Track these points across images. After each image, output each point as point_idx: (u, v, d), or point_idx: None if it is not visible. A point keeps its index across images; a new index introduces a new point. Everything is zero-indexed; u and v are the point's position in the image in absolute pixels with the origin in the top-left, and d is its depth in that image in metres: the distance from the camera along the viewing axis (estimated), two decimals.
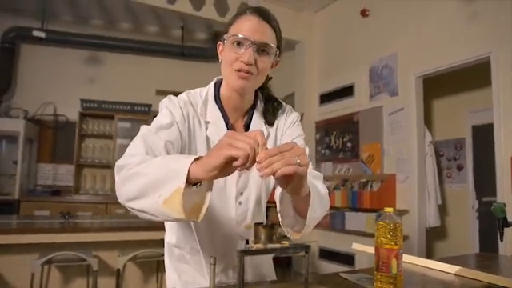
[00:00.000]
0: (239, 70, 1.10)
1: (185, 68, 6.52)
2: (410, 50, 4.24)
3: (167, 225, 1.36)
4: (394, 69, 4.40)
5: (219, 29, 6.41)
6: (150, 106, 6.12)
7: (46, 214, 4.88)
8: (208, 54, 6.39)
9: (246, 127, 1.24)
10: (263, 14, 1.13)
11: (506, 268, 1.67)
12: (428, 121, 4.87)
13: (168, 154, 1.05)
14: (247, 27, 1.10)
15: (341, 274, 1.32)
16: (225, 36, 1.15)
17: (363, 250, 1.71)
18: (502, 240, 1.50)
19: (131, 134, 6.02)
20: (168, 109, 1.18)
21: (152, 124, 1.13)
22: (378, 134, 4.53)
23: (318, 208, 1.07)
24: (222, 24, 5.67)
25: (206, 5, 4.94)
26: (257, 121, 1.25)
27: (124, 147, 6.00)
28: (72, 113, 5.96)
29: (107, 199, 5.63)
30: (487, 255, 1.98)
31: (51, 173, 5.98)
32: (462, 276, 1.37)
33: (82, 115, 5.93)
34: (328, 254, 4.99)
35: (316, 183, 1.12)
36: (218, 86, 1.26)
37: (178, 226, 1.30)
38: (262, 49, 1.12)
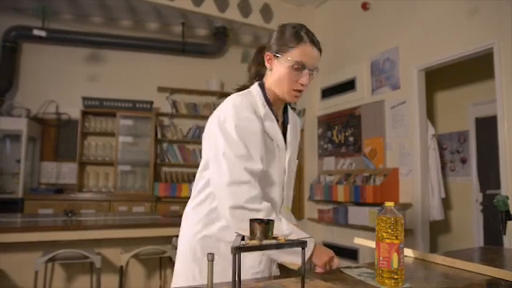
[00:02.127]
0: (297, 90, 1.39)
1: (186, 64, 6.50)
2: (411, 42, 4.20)
3: (204, 216, 1.41)
4: (396, 62, 4.37)
5: (219, 25, 6.41)
6: (151, 102, 6.11)
7: (49, 212, 4.90)
8: (209, 50, 6.37)
9: (282, 121, 1.52)
10: (319, 45, 1.42)
11: (511, 261, 1.66)
12: (430, 114, 4.85)
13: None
14: (310, 58, 1.37)
15: (342, 269, 1.32)
16: (282, 55, 1.37)
17: (365, 244, 1.70)
18: (504, 233, 1.48)
19: (133, 131, 6.03)
20: (255, 135, 1.33)
21: (236, 153, 1.28)
22: (381, 127, 4.51)
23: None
24: (223, 20, 5.67)
25: (205, 0, 4.92)
26: (291, 119, 1.54)
27: (126, 144, 5.92)
28: (74, 111, 5.96)
29: (110, 197, 5.64)
30: (491, 248, 1.97)
31: (54, 171, 5.99)
32: (466, 270, 1.36)
33: (84, 113, 5.93)
34: (331, 249, 4.96)
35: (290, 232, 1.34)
36: (263, 89, 1.46)
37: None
38: (312, 73, 1.39)
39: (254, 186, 1.26)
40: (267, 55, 1.42)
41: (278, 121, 1.45)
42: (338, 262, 1.32)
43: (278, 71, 1.39)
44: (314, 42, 1.39)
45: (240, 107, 1.32)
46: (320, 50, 1.41)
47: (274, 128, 1.40)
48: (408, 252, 1.59)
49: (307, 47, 1.36)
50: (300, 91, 1.39)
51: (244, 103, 1.34)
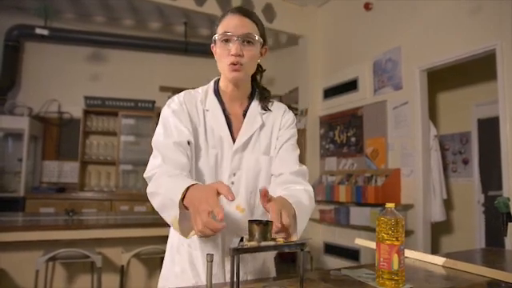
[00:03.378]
0: (231, 64, 1.28)
1: (188, 64, 6.50)
2: (413, 43, 4.19)
3: None
4: (398, 62, 4.36)
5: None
6: (153, 102, 6.11)
7: (51, 211, 4.91)
8: (211, 50, 6.36)
9: (244, 114, 1.40)
10: (243, 11, 1.32)
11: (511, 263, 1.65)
12: (433, 114, 4.83)
13: (179, 149, 1.25)
14: (231, 25, 1.29)
15: (342, 271, 1.31)
16: (214, 37, 1.33)
17: (366, 245, 1.70)
18: (505, 235, 1.47)
19: (135, 131, 6.03)
20: (172, 116, 1.32)
21: (159, 132, 1.32)
22: (383, 128, 4.50)
23: (303, 220, 1.22)
24: None
25: (208, 0, 4.92)
26: (254, 109, 1.41)
27: (128, 144, 5.95)
28: (76, 110, 5.97)
29: (112, 196, 5.64)
30: (493, 250, 1.96)
31: (56, 170, 6.01)
32: (467, 271, 1.35)
33: (86, 112, 5.94)
34: (333, 250, 4.98)
35: (298, 193, 1.28)
36: (217, 82, 1.45)
37: None
38: (246, 40, 1.29)
39: (155, 156, 1.27)
40: (212, 48, 1.38)
41: (227, 113, 1.38)
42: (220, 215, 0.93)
43: (216, 54, 1.35)
44: (235, 11, 1.32)
45: (172, 102, 1.37)
46: (247, 16, 1.31)
47: (216, 119, 1.35)
48: (408, 253, 1.59)
49: (228, 17, 1.31)
50: (236, 64, 1.28)
51: (180, 99, 1.37)
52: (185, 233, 1.11)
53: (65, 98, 6.07)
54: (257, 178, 1.37)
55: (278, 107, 1.46)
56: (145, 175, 1.26)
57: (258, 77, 1.47)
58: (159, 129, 1.32)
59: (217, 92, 1.40)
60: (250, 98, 1.43)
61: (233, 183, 1.33)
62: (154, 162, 1.25)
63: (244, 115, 1.39)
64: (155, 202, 1.16)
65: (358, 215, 4.49)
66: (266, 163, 1.38)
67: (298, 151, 1.43)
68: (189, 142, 1.27)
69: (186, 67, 6.48)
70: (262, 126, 1.40)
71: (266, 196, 1.07)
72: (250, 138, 1.37)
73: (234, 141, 1.35)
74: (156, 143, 1.29)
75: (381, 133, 4.52)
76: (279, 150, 1.40)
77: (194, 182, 1.09)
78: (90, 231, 3.11)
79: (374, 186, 4.35)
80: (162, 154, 1.24)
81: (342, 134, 5.16)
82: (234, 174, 1.34)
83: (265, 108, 1.42)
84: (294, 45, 5.93)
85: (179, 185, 1.08)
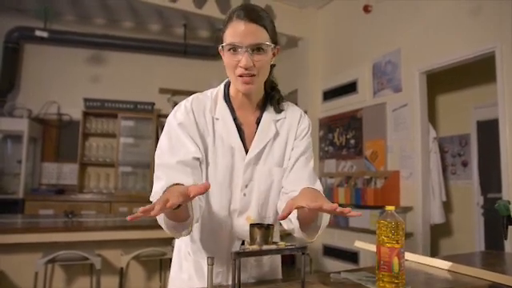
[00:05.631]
0: (241, 75, 1.19)
1: (187, 66, 6.51)
2: (413, 45, 4.20)
3: None
4: (398, 65, 4.36)
5: (221, 27, 6.39)
6: (153, 104, 6.11)
7: (50, 213, 4.90)
8: (210, 52, 6.38)
9: (257, 122, 1.32)
10: (250, 15, 1.18)
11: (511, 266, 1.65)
12: (432, 117, 4.84)
13: (183, 169, 1.17)
14: (238, 33, 1.17)
15: (342, 274, 1.31)
16: (221, 45, 1.23)
17: (366, 247, 1.69)
18: (505, 238, 1.47)
19: (134, 133, 6.03)
20: (179, 129, 1.25)
21: (164, 144, 1.24)
22: (382, 130, 4.50)
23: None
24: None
25: (207, 2, 4.92)
26: (267, 117, 1.32)
27: (127, 146, 5.93)
28: (75, 112, 5.97)
29: (111, 198, 5.63)
30: (492, 253, 1.96)
31: (55, 172, 6.00)
32: (467, 275, 1.35)
33: (86, 114, 5.94)
34: (332, 252, 4.98)
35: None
36: (227, 85, 1.35)
37: None
38: (256, 49, 1.18)
39: (158, 178, 1.17)
40: (220, 51, 1.26)
41: (238, 122, 1.29)
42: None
43: (224, 62, 1.24)
44: (241, 16, 1.18)
45: (179, 110, 1.29)
46: (254, 21, 1.18)
47: (227, 129, 1.27)
48: (408, 256, 1.59)
49: (234, 24, 1.18)
50: (249, 76, 1.18)
51: (187, 107, 1.29)
52: (170, 227, 1.12)
53: (64, 100, 6.06)
54: (269, 189, 1.31)
55: (292, 111, 1.37)
56: (151, 199, 1.16)
57: (270, 79, 1.36)
58: (164, 140, 1.24)
59: (227, 97, 1.32)
60: (263, 104, 1.35)
61: (244, 195, 1.28)
62: (157, 185, 1.15)
63: (257, 123, 1.32)
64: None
65: (357, 217, 4.46)
66: (279, 175, 1.32)
67: (312, 162, 1.36)
68: (197, 158, 1.21)
69: (185, 69, 6.49)
70: (276, 135, 1.32)
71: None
72: (264, 148, 1.30)
73: (246, 151, 1.28)
74: (159, 160, 1.21)
75: (380, 135, 4.53)
76: (294, 163, 1.33)
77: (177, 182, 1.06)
78: (90, 233, 3.11)
79: (374, 188, 4.35)
80: (165, 175, 1.15)
81: (342, 136, 5.16)
82: (246, 186, 1.28)
83: (278, 110, 1.34)
84: (293, 47, 5.93)
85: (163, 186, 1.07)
